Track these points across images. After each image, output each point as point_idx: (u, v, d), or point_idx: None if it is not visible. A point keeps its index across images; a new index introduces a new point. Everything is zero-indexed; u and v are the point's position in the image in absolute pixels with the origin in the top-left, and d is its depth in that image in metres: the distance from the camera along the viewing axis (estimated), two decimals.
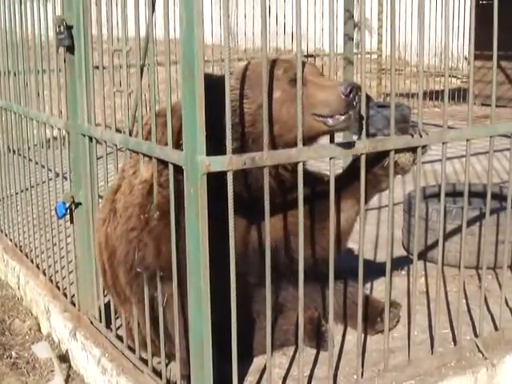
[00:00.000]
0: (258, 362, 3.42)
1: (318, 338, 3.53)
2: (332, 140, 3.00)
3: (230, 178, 2.53)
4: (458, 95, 12.65)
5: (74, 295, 4.09)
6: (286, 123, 2.96)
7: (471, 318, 3.86)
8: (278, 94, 2.96)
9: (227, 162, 2.50)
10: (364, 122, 2.86)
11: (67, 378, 3.89)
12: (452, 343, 3.59)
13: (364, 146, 2.84)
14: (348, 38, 7.25)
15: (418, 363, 3.34)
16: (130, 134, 3.16)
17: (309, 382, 3.26)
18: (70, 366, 4.01)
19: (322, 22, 10.63)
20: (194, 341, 2.67)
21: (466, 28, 12.97)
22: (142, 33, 3.22)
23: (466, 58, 15.54)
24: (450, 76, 13.53)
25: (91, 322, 3.85)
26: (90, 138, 3.57)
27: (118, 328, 3.61)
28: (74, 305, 4.05)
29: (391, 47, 2.99)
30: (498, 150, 6.72)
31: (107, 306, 3.67)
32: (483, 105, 11.44)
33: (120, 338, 3.55)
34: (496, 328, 3.71)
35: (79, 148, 3.65)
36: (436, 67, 13.66)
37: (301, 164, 2.69)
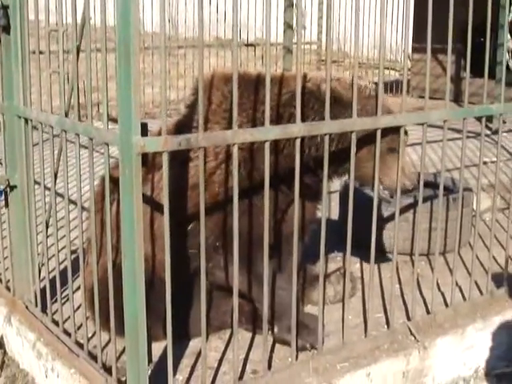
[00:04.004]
0: (194, 345, 3.44)
1: (255, 321, 3.56)
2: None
3: (165, 158, 2.54)
4: (396, 87, 12.76)
5: (9, 280, 4.04)
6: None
7: (404, 303, 3.94)
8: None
9: (162, 143, 2.51)
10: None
11: (2, 364, 3.86)
12: (385, 327, 3.66)
13: (299, 130, 2.88)
14: (287, 26, 7.25)
15: (351, 346, 3.41)
16: (66, 116, 3.13)
17: (244, 365, 3.30)
18: (4, 352, 3.98)
19: (262, 10, 10.63)
20: (129, 320, 2.68)
21: (405, 20, 13.06)
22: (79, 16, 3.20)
23: (404, 51, 15.71)
24: (388, 68, 13.64)
25: (26, 307, 3.81)
26: (26, 120, 3.53)
27: (54, 313, 3.58)
28: (9, 290, 4.00)
29: (327, 38, 3.02)
30: (433, 141, 6.86)
31: (43, 290, 3.65)
32: (420, 97, 11.59)
33: (56, 322, 3.53)
34: (428, 312, 3.79)
35: (14, 130, 3.61)
36: (375, 59, 13.75)
37: (236, 146, 2.71)
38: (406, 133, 3.39)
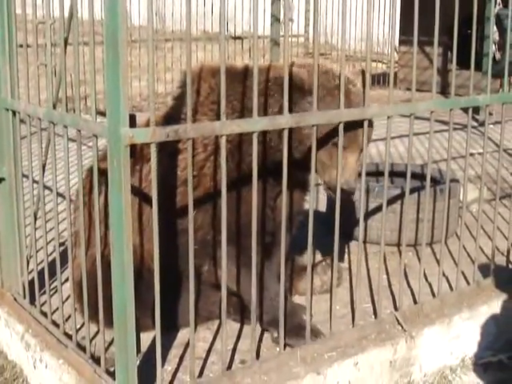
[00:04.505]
0: (182, 335, 3.46)
1: (243, 311, 3.58)
2: None
3: (153, 149, 2.55)
4: (384, 80, 12.80)
5: None
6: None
7: (391, 293, 3.97)
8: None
9: (150, 134, 2.51)
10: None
11: None
12: (373, 316, 3.69)
13: (287, 121, 2.89)
14: (275, 19, 7.28)
15: (339, 336, 3.42)
16: (54, 108, 3.14)
17: (232, 355, 3.32)
18: None
19: (250, 3, 10.62)
20: (118, 311, 2.69)
21: (392, 13, 13.09)
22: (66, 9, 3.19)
23: (391, 44, 15.73)
24: (375, 61, 13.65)
25: (15, 299, 3.81)
26: (14, 113, 3.52)
27: (43, 304, 3.59)
28: None
29: (314, 31, 3.03)
30: (420, 133, 6.89)
31: (31, 282, 3.65)
32: (408, 90, 11.62)
33: (44, 313, 3.54)
34: (415, 302, 3.81)
35: (2, 123, 3.60)
36: (362, 52, 13.74)
37: (224, 137, 2.72)
38: (371, 125, 3.38)
